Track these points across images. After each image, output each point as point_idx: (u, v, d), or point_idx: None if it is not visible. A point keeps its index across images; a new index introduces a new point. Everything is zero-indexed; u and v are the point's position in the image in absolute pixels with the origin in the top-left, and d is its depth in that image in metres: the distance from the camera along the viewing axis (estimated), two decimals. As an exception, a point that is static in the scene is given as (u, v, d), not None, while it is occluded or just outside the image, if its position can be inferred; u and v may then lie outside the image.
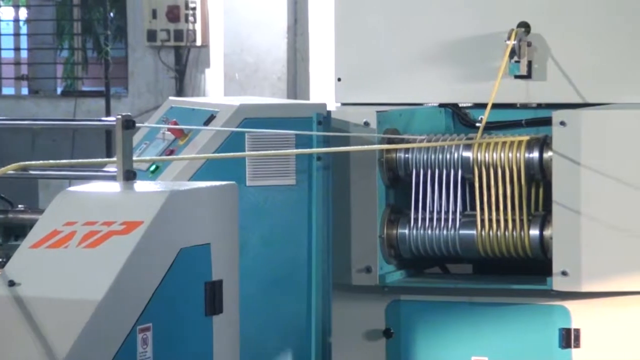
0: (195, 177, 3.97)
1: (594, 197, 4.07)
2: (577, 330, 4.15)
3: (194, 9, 9.02)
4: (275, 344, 4.10)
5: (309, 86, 8.60)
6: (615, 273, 4.07)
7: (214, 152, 4.03)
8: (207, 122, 4.13)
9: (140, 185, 3.35)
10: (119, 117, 3.36)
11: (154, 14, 9.17)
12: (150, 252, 3.09)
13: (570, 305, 4.16)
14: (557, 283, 4.10)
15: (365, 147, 4.23)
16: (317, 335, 4.15)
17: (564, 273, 4.09)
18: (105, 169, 4.16)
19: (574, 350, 4.15)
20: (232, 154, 4.01)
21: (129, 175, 3.33)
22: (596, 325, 4.14)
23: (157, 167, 4.05)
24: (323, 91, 8.12)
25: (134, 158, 3.41)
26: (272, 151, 4.06)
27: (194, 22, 9.01)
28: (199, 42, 9.03)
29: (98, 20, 10.53)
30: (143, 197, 3.22)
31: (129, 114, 3.40)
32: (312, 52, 8.53)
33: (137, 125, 3.44)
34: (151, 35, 9.20)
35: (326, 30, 7.43)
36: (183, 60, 9.15)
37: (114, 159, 3.36)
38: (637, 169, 4.06)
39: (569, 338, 4.15)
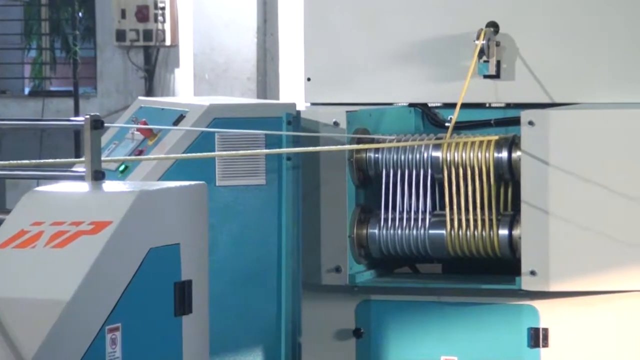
0: (164, 177, 3.96)
1: (562, 196, 4.09)
2: (545, 330, 4.16)
3: (163, 8, 9.00)
4: (245, 344, 4.10)
5: (279, 86, 8.59)
6: (583, 273, 4.09)
7: (183, 152, 4.02)
8: (176, 122, 4.12)
9: (109, 185, 3.34)
10: (88, 117, 3.35)
11: (123, 14, 9.14)
12: (119, 252, 3.08)
13: (538, 304, 4.18)
14: (526, 283, 4.11)
15: (335, 147, 4.23)
16: (287, 335, 4.15)
17: (532, 273, 4.10)
18: (73, 169, 4.13)
19: (542, 350, 4.17)
20: (201, 154, 4.00)
21: (98, 175, 3.32)
22: (564, 325, 4.16)
23: (126, 167, 4.04)
24: (293, 91, 8.12)
25: (103, 158, 3.39)
26: (242, 151, 4.06)
27: (163, 22, 8.99)
28: (168, 42, 9.01)
29: (66, 20, 10.48)
30: (112, 197, 3.21)
31: (98, 114, 3.39)
32: (282, 52, 8.53)
33: (106, 125, 3.43)
34: (120, 35, 9.17)
35: (296, 30, 7.43)
36: (152, 60, 9.12)
37: (83, 159, 3.35)
38: (605, 168, 4.09)
39: (537, 337, 4.16)
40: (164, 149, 4.04)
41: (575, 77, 4.36)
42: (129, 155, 4.09)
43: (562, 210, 4.09)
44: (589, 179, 4.07)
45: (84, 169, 3.37)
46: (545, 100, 4.37)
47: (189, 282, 3.26)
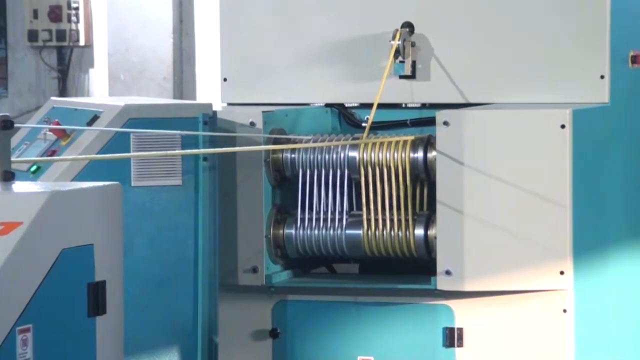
0: (78, 178, 3.92)
1: (476, 196, 4.13)
2: (460, 330, 4.19)
3: (76, 8, 8.89)
4: (161, 344, 4.07)
5: (196, 86, 8.55)
6: (497, 272, 4.13)
7: (97, 153, 3.98)
8: (90, 123, 4.07)
9: (20, 186, 3.29)
10: (-3, 116, 3.30)
11: (35, 14, 9.01)
12: (30, 253, 3.04)
13: (453, 304, 4.21)
14: (441, 282, 4.14)
15: (252, 147, 4.23)
16: (203, 335, 4.13)
17: (447, 272, 4.13)
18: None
19: (457, 350, 4.20)
20: (116, 154, 3.96)
21: (7, 176, 3.27)
22: (478, 324, 4.20)
23: (38, 168, 3.99)
24: (210, 91, 8.09)
25: (13, 159, 3.34)
26: (158, 152, 4.03)
27: (77, 22, 8.88)
28: (82, 42, 8.91)
29: (-23, 20, 10.30)
30: (22, 198, 3.16)
31: (7, 114, 3.34)
32: (199, 52, 8.49)
33: (16, 125, 3.38)
34: (32, 35, 9.05)
35: (212, 30, 7.41)
36: (66, 60, 9.01)
37: (-8, 159, 3.29)
38: (517, 168, 4.13)
39: (452, 337, 4.20)
40: (78, 150, 3.99)
41: (489, 77, 4.40)
42: (41, 156, 4.03)
43: (477, 210, 4.12)
44: (503, 179, 4.12)
45: (-7, 170, 3.32)
46: (460, 100, 4.41)
47: (103, 283, 3.23)
